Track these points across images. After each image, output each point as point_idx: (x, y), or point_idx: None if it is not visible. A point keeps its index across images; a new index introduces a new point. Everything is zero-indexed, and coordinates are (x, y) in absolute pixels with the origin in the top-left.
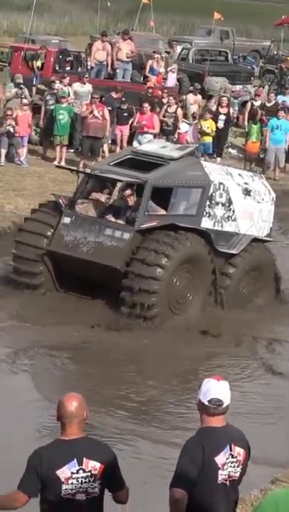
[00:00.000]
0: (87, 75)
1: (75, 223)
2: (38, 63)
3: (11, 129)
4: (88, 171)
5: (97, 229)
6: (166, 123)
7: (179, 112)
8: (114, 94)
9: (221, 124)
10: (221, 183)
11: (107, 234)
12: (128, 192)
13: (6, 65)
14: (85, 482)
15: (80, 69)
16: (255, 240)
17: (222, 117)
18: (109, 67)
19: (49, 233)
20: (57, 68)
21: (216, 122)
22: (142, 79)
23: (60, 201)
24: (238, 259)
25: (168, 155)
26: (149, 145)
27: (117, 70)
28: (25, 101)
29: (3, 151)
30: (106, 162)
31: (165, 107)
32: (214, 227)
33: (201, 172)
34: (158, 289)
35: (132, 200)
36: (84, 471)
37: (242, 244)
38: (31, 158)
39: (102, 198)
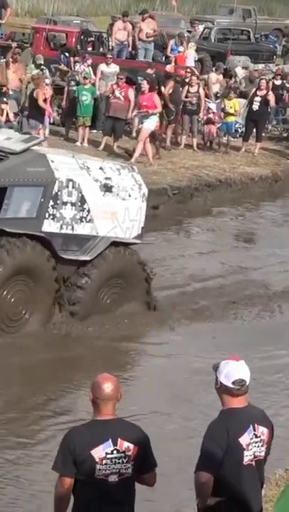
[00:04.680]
0: (110, 55)
1: None
2: None
3: None
4: None
5: None
6: (190, 102)
7: (202, 91)
8: (150, 70)
9: (255, 107)
10: (70, 180)
11: None
12: None
13: (28, 46)
14: (118, 463)
15: (101, 49)
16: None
17: (257, 99)
18: (130, 47)
19: None
20: (79, 48)
21: (252, 104)
22: (163, 59)
23: None
24: (93, 267)
25: (8, 148)
26: None
27: (139, 50)
28: (47, 81)
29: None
30: None
31: (187, 86)
32: (62, 230)
33: (44, 168)
34: None
35: None
36: (118, 451)
37: (98, 249)
38: (53, 140)
39: None
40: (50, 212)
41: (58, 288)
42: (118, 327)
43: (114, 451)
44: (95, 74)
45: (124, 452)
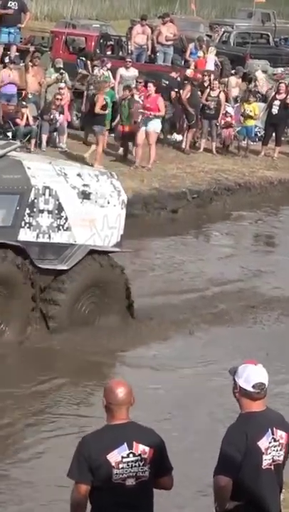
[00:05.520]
0: (129, 59)
1: None
2: None
3: (57, 116)
4: None
5: None
6: (208, 106)
7: (222, 95)
8: (174, 74)
9: (275, 111)
10: (46, 187)
11: None
12: None
13: (47, 50)
14: (135, 466)
15: (120, 53)
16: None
17: (276, 103)
18: (149, 51)
19: None
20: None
21: (271, 108)
22: (182, 62)
23: None
24: (69, 277)
25: None
26: None
27: (158, 54)
28: (61, 85)
29: (45, 137)
30: None
31: (208, 90)
32: (38, 238)
33: (19, 175)
34: None
35: None
36: (134, 454)
37: (76, 258)
38: (72, 143)
39: None
40: (27, 221)
41: (35, 298)
42: (97, 337)
43: (130, 455)
44: (114, 78)
45: (140, 455)
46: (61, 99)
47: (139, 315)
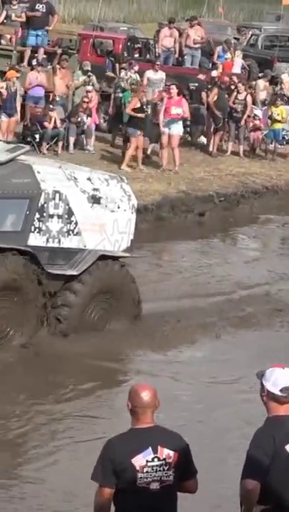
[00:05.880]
0: (158, 62)
1: None
2: None
3: (85, 119)
4: None
5: None
6: (235, 109)
7: (249, 98)
8: (201, 76)
9: None
10: (56, 192)
11: None
12: None
13: (75, 52)
14: (160, 470)
15: (148, 56)
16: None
17: None
18: (176, 54)
19: None
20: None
21: None
22: (210, 65)
23: None
24: (80, 282)
25: None
26: None
27: (185, 57)
28: (89, 88)
29: (72, 139)
30: None
31: (235, 93)
32: (48, 243)
33: (29, 179)
34: None
35: None
36: (158, 459)
37: (86, 263)
38: (99, 146)
39: None
40: (36, 226)
41: (44, 304)
42: (107, 344)
43: (155, 459)
44: (141, 80)
45: (164, 460)
46: (89, 102)
47: (166, 318)
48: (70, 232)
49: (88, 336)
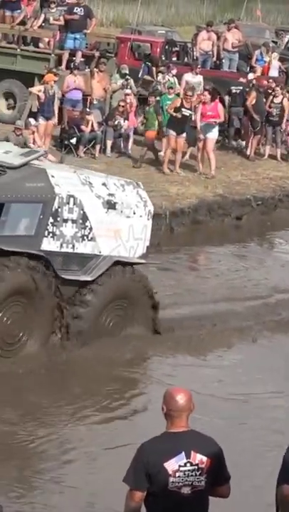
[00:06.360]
0: (199, 66)
1: None
2: None
3: (122, 122)
4: None
5: None
6: (272, 113)
7: (285, 102)
8: (242, 79)
9: None
10: (71, 196)
11: None
12: None
13: (113, 55)
14: (192, 475)
15: (186, 59)
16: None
17: None
18: (214, 57)
19: None
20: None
21: None
22: (248, 69)
23: None
24: (93, 290)
25: (7, 162)
26: None
27: (223, 60)
28: (128, 91)
29: (109, 142)
30: None
31: (271, 97)
32: (62, 248)
33: (43, 183)
34: None
35: None
36: (191, 464)
37: (100, 269)
38: (137, 149)
39: None
40: (50, 230)
41: (57, 309)
42: (121, 352)
43: (188, 464)
44: (179, 84)
45: (197, 465)
46: (127, 105)
47: (202, 321)
48: (85, 238)
49: (112, 341)
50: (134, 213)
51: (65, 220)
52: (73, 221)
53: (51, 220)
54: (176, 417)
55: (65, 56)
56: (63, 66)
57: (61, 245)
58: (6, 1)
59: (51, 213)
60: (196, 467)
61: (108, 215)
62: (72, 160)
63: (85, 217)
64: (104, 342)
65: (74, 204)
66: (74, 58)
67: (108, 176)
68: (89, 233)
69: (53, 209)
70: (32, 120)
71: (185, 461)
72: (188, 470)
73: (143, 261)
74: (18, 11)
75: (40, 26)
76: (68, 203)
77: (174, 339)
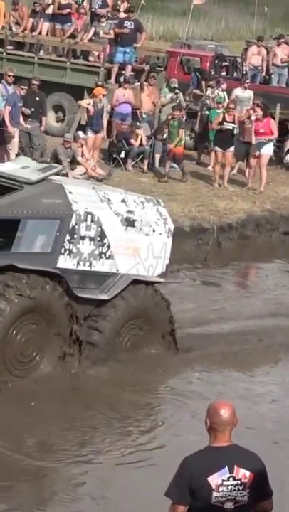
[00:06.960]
0: (248, 81)
1: None
2: None
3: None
4: None
5: None
6: None
7: None
8: None
9: None
10: (88, 213)
11: None
12: None
13: (162, 69)
14: (234, 490)
15: (235, 74)
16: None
17: None
18: (264, 72)
19: None
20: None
21: None
22: None
23: None
24: (112, 307)
25: (24, 177)
26: (9, 164)
27: (272, 75)
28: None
29: (158, 156)
30: None
31: None
32: (79, 266)
33: (61, 200)
34: None
35: None
36: (234, 478)
37: (118, 288)
38: (185, 163)
39: None
40: (67, 247)
41: (73, 329)
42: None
43: (231, 479)
44: (228, 98)
45: (240, 480)
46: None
47: (248, 336)
48: (102, 255)
49: (142, 359)
50: (154, 231)
51: (83, 238)
52: (91, 238)
53: (68, 237)
54: (220, 431)
55: (115, 70)
56: (112, 80)
57: (78, 263)
58: (56, 15)
59: (68, 230)
60: (239, 482)
61: (127, 233)
62: (120, 174)
63: (102, 235)
64: (132, 361)
65: (92, 221)
66: (123, 72)
67: (127, 193)
68: (107, 251)
69: (70, 226)
70: (81, 133)
71: (228, 475)
72: (232, 485)
73: (162, 280)
74: (69, 24)
75: (90, 40)
76: (86, 220)
77: (220, 354)
